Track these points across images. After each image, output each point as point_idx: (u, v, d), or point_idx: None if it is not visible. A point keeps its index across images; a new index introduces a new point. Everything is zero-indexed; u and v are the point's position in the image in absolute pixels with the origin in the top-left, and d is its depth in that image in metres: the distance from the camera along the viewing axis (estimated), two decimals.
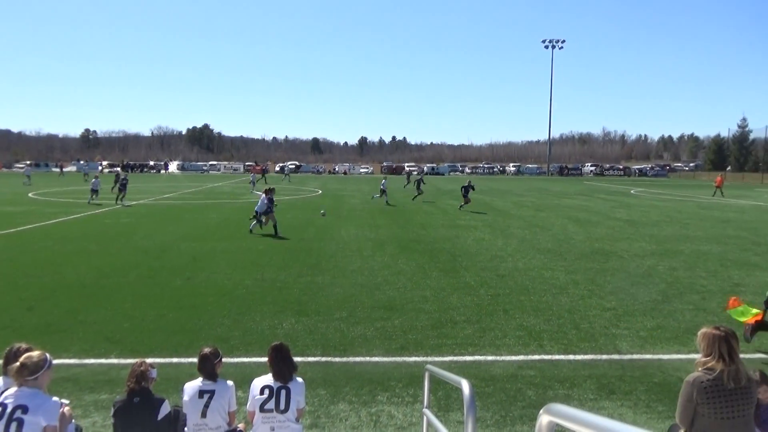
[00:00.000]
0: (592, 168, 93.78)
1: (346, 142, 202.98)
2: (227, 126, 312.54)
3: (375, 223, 22.39)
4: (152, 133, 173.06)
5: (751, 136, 79.99)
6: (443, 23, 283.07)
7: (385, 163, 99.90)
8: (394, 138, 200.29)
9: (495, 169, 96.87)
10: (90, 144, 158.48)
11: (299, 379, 4.36)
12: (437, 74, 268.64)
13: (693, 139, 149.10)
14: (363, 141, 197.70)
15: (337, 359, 7.55)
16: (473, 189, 28.77)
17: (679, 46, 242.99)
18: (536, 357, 7.66)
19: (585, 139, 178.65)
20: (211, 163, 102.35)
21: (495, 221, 23.18)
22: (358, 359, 7.56)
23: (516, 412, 6.00)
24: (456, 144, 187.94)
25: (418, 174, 51.44)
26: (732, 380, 3.25)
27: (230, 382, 4.49)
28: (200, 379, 4.41)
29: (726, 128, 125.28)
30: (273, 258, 14.48)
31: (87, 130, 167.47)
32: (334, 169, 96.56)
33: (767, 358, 7.67)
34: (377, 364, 7.42)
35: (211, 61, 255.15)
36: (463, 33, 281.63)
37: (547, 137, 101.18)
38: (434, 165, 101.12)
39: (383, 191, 31.89)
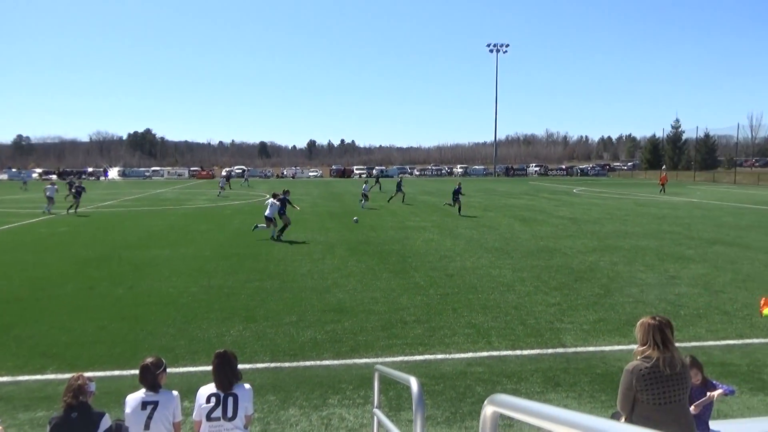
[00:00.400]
0: (537, 168, 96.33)
1: (294, 146, 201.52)
2: (171, 130, 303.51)
3: (324, 226, 22.27)
4: (90, 138, 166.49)
5: (684, 137, 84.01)
6: (391, 27, 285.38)
7: (334, 167, 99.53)
8: (343, 141, 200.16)
9: (443, 171, 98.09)
10: (23, 151, 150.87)
11: (246, 386, 4.27)
12: (386, 78, 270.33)
13: (630, 139, 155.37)
14: (312, 144, 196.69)
15: (287, 364, 7.45)
16: (462, 194, 27.21)
17: (616, 50, 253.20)
18: (485, 353, 7.79)
19: (529, 141, 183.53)
20: (153, 168, 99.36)
21: (443, 222, 23.46)
22: (308, 363, 7.48)
23: (466, 408, 6.08)
24: (405, 146, 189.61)
25: (399, 176, 51.00)
26: (667, 367, 3.39)
27: (175, 393, 4.35)
28: (143, 390, 4.25)
29: (661, 129, 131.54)
30: (220, 264, 14.17)
31: (20, 136, 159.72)
32: (283, 173, 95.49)
33: (698, 345, 8.05)
34: (328, 367, 7.37)
35: (153, 64, 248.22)
36: (411, 37, 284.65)
37: (493, 139, 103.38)
38: (383, 167, 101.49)
39: (365, 195, 31.19)
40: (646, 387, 3.37)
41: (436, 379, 6.89)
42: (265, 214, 18.89)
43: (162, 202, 36.30)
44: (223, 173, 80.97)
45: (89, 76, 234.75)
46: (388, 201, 33.53)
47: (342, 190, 51.00)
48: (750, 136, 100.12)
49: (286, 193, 20.01)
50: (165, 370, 4.38)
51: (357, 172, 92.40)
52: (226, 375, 4.13)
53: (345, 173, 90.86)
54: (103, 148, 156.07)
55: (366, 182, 33.76)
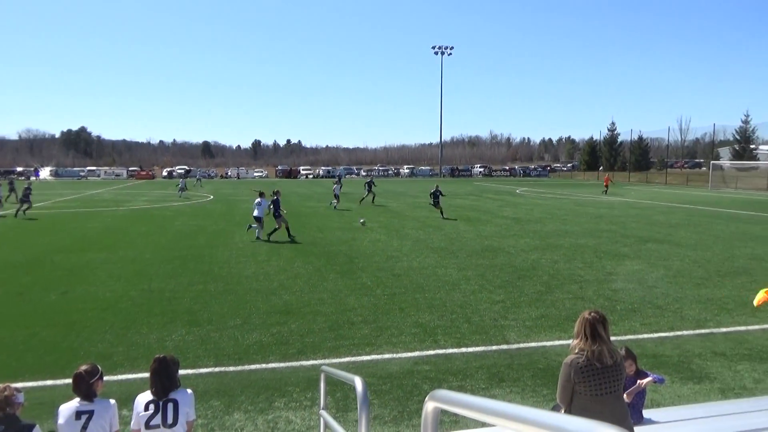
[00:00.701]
0: (481, 169, 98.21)
1: (239, 146, 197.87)
2: (108, 129, 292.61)
3: (270, 227, 21.91)
4: (20, 136, 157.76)
5: (620, 139, 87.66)
6: (338, 27, 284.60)
7: (280, 167, 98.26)
8: (289, 141, 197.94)
9: (390, 172, 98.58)
10: None
11: (188, 391, 4.14)
12: (333, 77, 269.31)
13: (570, 141, 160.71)
14: (257, 144, 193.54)
15: (232, 368, 7.30)
16: (442, 194, 26.23)
17: (556, 54, 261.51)
18: (431, 352, 7.87)
19: (474, 142, 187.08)
20: (89, 168, 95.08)
21: (390, 222, 23.58)
22: (253, 367, 7.36)
23: (413, 407, 6.12)
24: (351, 147, 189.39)
25: (368, 176, 50.14)
26: (602, 359, 3.53)
27: (112, 401, 4.18)
28: (77, 399, 4.05)
29: (598, 131, 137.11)
30: (161, 267, 13.73)
31: None
32: (227, 173, 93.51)
33: (632, 338, 8.40)
34: (274, 370, 7.27)
35: (88, 59, 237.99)
36: (358, 37, 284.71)
37: (438, 140, 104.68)
38: (330, 168, 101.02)
39: (337, 197, 30.67)
40: (584, 379, 3.49)
41: (384, 379, 6.91)
42: (254, 214, 18.67)
43: (99, 203, 34.84)
44: (181, 171, 78.82)
45: (19, 71, 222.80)
46: (360, 202, 32.99)
47: (288, 191, 50.44)
48: (680, 138, 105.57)
49: (277, 193, 19.68)
50: (101, 377, 4.20)
51: (304, 172, 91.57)
52: (161, 381, 3.99)
53: (291, 174, 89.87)
54: (34, 147, 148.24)
55: (336, 183, 33.05)
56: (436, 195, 25.71)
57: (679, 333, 8.67)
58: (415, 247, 16.90)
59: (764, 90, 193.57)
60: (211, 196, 41.48)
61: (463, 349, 7.97)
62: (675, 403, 5.92)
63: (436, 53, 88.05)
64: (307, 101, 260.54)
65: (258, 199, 18.89)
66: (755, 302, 8.91)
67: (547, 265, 14.00)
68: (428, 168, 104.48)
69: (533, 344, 8.17)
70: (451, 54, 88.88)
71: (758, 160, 67.17)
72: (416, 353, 7.83)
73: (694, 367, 7.25)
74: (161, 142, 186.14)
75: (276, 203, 18.88)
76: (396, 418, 5.89)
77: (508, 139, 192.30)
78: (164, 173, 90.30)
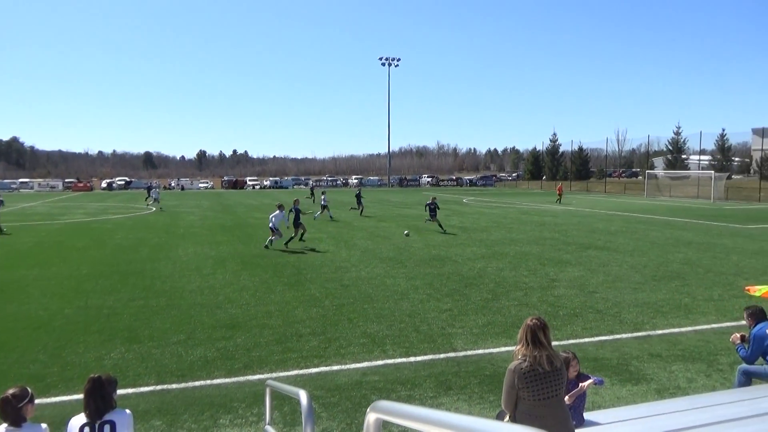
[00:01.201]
0: (429, 179, 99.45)
1: (183, 156, 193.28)
2: (42, 139, 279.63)
3: (215, 240, 21.48)
4: None
5: (561, 149, 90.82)
6: (286, 36, 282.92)
7: (226, 178, 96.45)
8: (235, 152, 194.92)
9: (338, 182, 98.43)
10: None
11: (127, 411, 3.97)
12: (280, 88, 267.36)
13: (515, 151, 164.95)
14: (202, 155, 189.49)
15: (175, 386, 7.05)
16: (438, 208, 24.58)
17: (499, 67, 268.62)
18: (380, 362, 7.86)
19: (422, 152, 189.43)
20: (22, 180, 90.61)
21: (339, 233, 23.50)
22: (197, 383, 7.14)
23: (361, 419, 6.08)
24: (300, 157, 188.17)
25: (356, 187, 48.08)
26: (544, 364, 3.62)
27: (44, 425, 3.96)
28: (4, 426, 3.82)
29: (541, 142, 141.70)
30: (99, 283, 13.18)
31: None
32: (170, 184, 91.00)
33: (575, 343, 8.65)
34: (219, 386, 7.07)
35: (19, 66, 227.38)
36: (306, 48, 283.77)
37: (387, 150, 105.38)
38: (278, 178, 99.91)
39: (325, 207, 29.74)
40: (527, 384, 3.56)
41: (332, 391, 6.84)
42: (270, 225, 19.09)
43: (31, 217, 33.18)
44: (154, 183, 75.66)
45: None
46: (360, 214, 32.02)
47: (234, 202, 49.57)
48: (617, 149, 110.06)
49: (296, 202, 20.49)
50: (32, 401, 3.97)
51: (250, 183, 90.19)
52: (96, 402, 3.80)
53: (237, 184, 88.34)
54: None
55: (324, 193, 31.92)
56: (432, 208, 24.03)
57: (617, 336, 8.98)
58: (363, 257, 16.89)
59: (694, 103, 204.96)
60: (154, 209, 40.23)
61: (412, 359, 7.99)
62: (615, 405, 6.11)
63: (384, 64, 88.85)
64: (254, 111, 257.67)
65: (276, 212, 19.36)
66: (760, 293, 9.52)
67: (493, 272, 14.26)
68: (377, 178, 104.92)
69: (480, 351, 8.28)
70: (398, 65, 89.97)
71: (689, 169, 70.87)
72: (365, 364, 7.79)
73: (632, 369, 7.52)
74: (100, 152, 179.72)
75: (297, 212, 19.84)
76: (344, 430, 5.83)
77: (455, 149, 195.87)
78: (103, 185, 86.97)
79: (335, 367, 7.67)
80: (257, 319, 10.03)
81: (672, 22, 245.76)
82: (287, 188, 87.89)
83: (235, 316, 10.24)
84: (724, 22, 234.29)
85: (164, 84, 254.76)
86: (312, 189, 48.52)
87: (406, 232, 22.14)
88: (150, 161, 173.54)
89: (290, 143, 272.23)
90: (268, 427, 4.73)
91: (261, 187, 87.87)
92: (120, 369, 7.47)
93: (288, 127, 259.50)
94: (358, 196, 34.44)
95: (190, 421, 6.07)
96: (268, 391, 4.78)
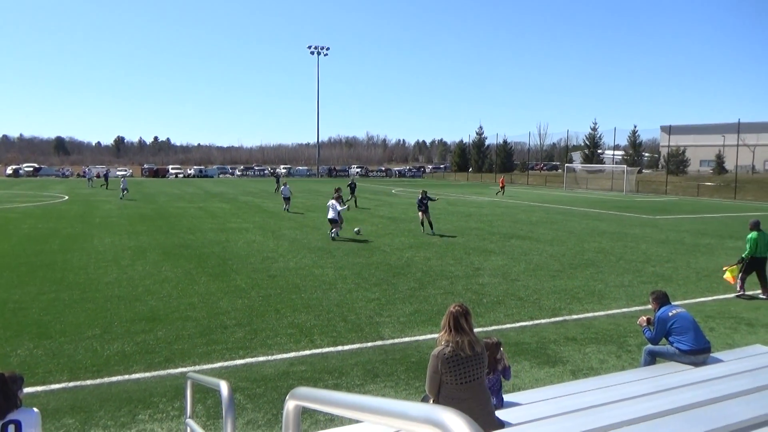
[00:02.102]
0: (358, 170, 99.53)
1: (99, 142, 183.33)
2: None
3: (135, 229, 20.56)
4: None
5: (487, 142, 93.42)
6: (209, 20, 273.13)
7: (146, 166, 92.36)
8: (156, 138, 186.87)
9: (266, 172, 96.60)
10: None
11: (34, 410, 3.73)
12: (205, 74, 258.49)
13: (442, 144, 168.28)
14: (120, 141, 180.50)
15: (89, 382, 6.71)
16: (431, 199, 21.25)
17: (427, 59, 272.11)
18: (307, 352, 7.82)
19: (351, 143, 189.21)
20: None
21: (266, 223, 23.10)
22: (115, 379, 6.83)
23: None
24: (225, 146, 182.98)
25: (351, 177, 44.34)
26: (466, 349, 3.72)
27: (35, 410, 3.68)
28: None
29: (468, 135, 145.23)
30: (4, 275, 12.31)
31: None
32: (84, 171, 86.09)
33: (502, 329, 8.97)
34: (138, 381, 6.80)
35: None
36: (233, 33, 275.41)
37: (316, 140, 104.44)
38: (202, 167, 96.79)
39: (287, 199, 28.40)
40: (450, 369, 3.66)
41: (258, 382, 6.74)
42: (331, 216, 18.64)
43: None
44: (123, 172, 70.59)
45: None
46: (356, 206, 30.48)
47: (155, 190, 47.62)
48: (539, 143, 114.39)
49: (338, 190, 20.52)
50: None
51: (173, 171, 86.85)
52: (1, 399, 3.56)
53: (159, 173, 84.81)
54: None
55: (285, 184, 30.48)
56: (424, 202, 20.43)
57: (537, 321, 9.39)
58: (291, 247, 16.70)
59: (609, 101, 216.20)
60: (66, 197, 37.95)
61: (339, 348, 8.00)
62: (533, 386, 6.39)
63: (312, 53, 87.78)
64: (177, 97, 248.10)
65: (332, 201, 19.00)
66: (727, 277, 11.09)
67: (421, 262, 14.49)
68: (305, 168, 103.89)
69: (407, 339, 8.41)
70: (327, 54, 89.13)
71: (604, 163, 74.84)
72: (292, 354, 7.73)
73: (550, 352, 7.88)
74: (5, 136, 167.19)
75: (339, 199, 19.55)
76: (270, 421, 5.76)
77: (384, 140, 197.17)
78: (8, 171, 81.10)
79: (261, 358, 7.55)
80: (179, 311, 9.70)
81: (589, 22, 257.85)
82: (212, 177, 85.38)
83: (155, 308, 9.86)
84: (637, 25, 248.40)
85: (79, 64, 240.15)
86: (278, 179, 46.53)
87: (356, 229, 19.96)
88: (62, 147, 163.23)
89: (216, 131, 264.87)
90: (189, 421, 4.60)
91: (185, 176, 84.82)
92: (28, 366, 7.02)
93: (214, 114, 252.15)
94: (352, 187, 32.78)
95: (106, 417, 5.80)
96: (189, 383, 4.64)
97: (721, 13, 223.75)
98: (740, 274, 11.21)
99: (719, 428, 3.90)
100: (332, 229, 18.71)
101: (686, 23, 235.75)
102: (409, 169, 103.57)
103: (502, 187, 47.59)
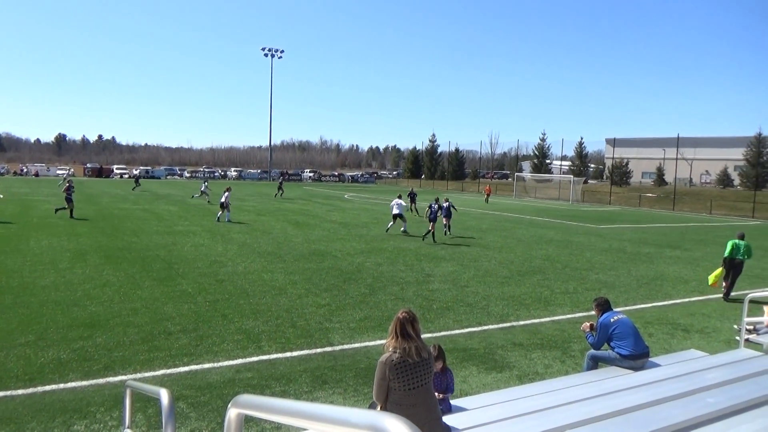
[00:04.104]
0: (311, 174, 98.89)
1: (38, 139, 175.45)
2: None
3: (75, 231, 19.72)
4: None
5: (439, 150, 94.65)
6: (160, 16, 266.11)
7: (89, 165, 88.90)
8: (100, 137, 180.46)
9: (216, 174, 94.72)
10: None
11: None
12: (153, 72, 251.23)
13: (396, 150, 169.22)
14: (61, 138, 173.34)
15: (21, 392, 6.36)
16: (455, 209, 22.92)
17: (383, 65, 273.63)
18: (255, 359, 7.66)
19: (304, 147, 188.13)
20: None
21: (215, 227, 22.60)
22: (49, 388, 6.49)
23: None
24: (174, 146, 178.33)
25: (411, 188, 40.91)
26: (413, 355, 3.72)
27: None
28: None
29: (420, 142, 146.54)
30: None
31: None
32: (22, 170, 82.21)
33: (450, 334, 9.04)
34: (74, 389, 6.48)
35: None
36: (182, 31, 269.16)
37: (268, 143, 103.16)
38: (149, 168, 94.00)
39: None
40: (398, 375, 3.65)
41: (202, 390, 6.55)
42: (396, 212, 21.49)
43: None
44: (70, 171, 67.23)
45: None
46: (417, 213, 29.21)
47: (98, 191, 45.90)
48: (490, 152, 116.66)
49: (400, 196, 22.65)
50: None
51: (118, 171, 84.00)
52: None
53: (102, 172, 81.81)
54: None
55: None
56: (442, 209, 21.34)
57: (485, 327, 9.52)
58: (241, 251, 16.39)
59: (557, 113, 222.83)
60: (1, 195, 36.10)
61: (288, 354, 7.88)
62: (480, 391, 6.46)
63: (266, 55, 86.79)
64: (123, 95, 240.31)
65: (396, 200, 21.89)
66: (711, 282, 12.18)
67: (372, 267, 14.48)
68: (257, 171, 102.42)
69: (356, 345, 8.37)
70: (281, 57, 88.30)
71: (552, 173, 77.02)
72: (238, 361, 7.56)
73: (497, 358, 8.00)
74: None
75: (413, 196, 23.64)
76: (214, 430, 5.60)
77: (338, 145, 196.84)
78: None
79: (207, 365, 7.35)
80: (121, 316, 9.34)
81: (539, 37, 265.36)
82: (159, 178, 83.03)
83: (95, 313, 9.46)
84: (583, 41, 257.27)
85: (17, 55, 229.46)
86: (137, 179, 45.98)
87: (402, 228, 21.52)
88: None
89: (164, 131, 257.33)
90: (127, 431, 4.41)
91: (130, 176, 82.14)
92: None
93: (162, 113, 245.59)
94: (413, 195, 31.66)
95: (39, 429, 5.51)
96: (127, 392, 4.45)
97: (662, 35, 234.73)
98: (723, 279, 12.58)
99: (657, 430, 4.04)
100: (389, 225, 22.00)
101: (630, 43, 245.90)
102: (362, 175, 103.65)
103: (488, 195, 48.30)
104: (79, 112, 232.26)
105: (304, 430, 1.64)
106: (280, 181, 49.14)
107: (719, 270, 12.57)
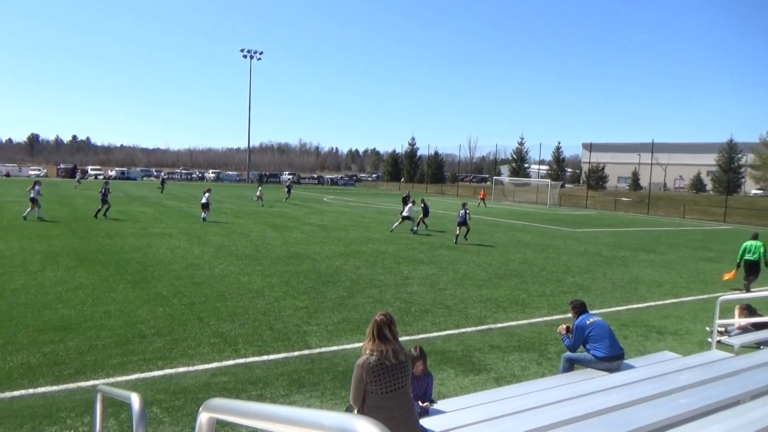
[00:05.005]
0: (290, 176, 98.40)
1: (10, 139, 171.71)
2: None
3: (47, 233, 19.31)
4: None
5: (419, 153, 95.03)
6: (139, 15, 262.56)
7: (62, 165, 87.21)
8: (75, 137, 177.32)
9: (194, 175, 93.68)
10: None
11: None
12: (130, 72, 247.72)
13: (375, 153, 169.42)
14: (33, 138, 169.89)
15: None
16: (470, 216, 22.36)
17: (362, 68, 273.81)
18: (231, 362, 7.56)
19: (284, 149, 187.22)
20: None
21: (192, 229, 22.33)
22: (17, 393, 6.32)
23: None
24: (151, 147, 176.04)
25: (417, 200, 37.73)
26: (390, 358, 3.71)
27: None
28: None
29: (400, 145, 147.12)
30: None
31: None
32: None
33: (430, 337, 9.05)
34: (44, 395, 6.33)
35: None
36: (159, 31, 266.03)
37: (247, 145, 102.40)
38: (125, 169, 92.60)
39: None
40: (375, 378, 3.63)
41: (177, 394, 6.44)
42: (406, 215, 23.71)
43: None
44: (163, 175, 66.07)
45: None
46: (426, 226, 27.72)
47: (71, 192, 45.05)
48: (469, 156, 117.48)
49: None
50: None
51: (92, 172, 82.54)
52: None
53: (75, 173, 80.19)
54: None
55: (209, 190, 28.88)
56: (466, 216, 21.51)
57: (463, 330, 9.54)
58: (218, 254, 16.21)
59: (535, 118, 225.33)
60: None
61: (264, 357, 7.80)
62: (458, 394, 6.46)
63: (245, 56, 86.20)
64: (98, 94, 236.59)
65: (410, 204, 24.60)
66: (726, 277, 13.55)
67: (351, 270, 14.43)
68: (235, 173, 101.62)
69: (334, 348, 8.32)
70: (260, 59, 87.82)
71: (530, 177, 77.81)
72: (214, 364, 7.45)
73: (475, 360, 8.02)
74: None
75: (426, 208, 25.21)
76: None
77: (317, 148, 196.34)
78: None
79: (181, 369, 7.23)
80: (94, 320, 9.15)
81: (517, 42, 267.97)
82: (135, 179, 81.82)
83: (67, 317, 9.25)
84: (560, 46, 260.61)
85: None
86: (163, 181, 45.48)
87: (414, 228, 24.01)
88: None
89: (140, 132, 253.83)
90: None
91: (105, 178, 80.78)
92: None
93: (139, 114, 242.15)
94: (406, 198, 31.55)
95: None
96: (98, 396, 4.35)
97: (638, 43, 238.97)
98: (744, 277, 13.82)
99: (632, 431, 4.08)
100: (396, 224, 23.72)
101: (607, 49, 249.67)
102: (341, 177, 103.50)
103: (482, 199, 48.45)
104: (53, 111, 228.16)
105: None
106: (287, 184, 48.20)
107: (733, 272, 14.14)
